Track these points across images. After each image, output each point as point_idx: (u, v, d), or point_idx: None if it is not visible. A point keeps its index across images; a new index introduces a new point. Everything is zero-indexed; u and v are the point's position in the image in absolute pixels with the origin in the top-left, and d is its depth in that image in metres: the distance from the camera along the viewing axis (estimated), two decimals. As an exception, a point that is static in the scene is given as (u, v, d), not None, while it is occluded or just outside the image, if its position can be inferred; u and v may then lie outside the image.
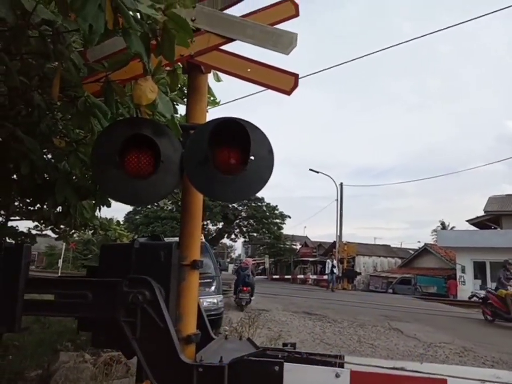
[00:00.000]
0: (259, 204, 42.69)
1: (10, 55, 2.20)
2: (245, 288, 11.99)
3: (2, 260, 1.82)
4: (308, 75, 10.02)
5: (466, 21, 9.73)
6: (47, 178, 3.56)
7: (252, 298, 12.46)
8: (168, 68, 2.23)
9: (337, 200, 32.92)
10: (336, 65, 10.06)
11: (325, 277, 35.45)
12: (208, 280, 7.68)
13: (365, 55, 10.52)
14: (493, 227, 27.34)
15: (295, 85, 2.09)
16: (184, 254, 2.13)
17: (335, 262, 26.55)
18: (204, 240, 10.78)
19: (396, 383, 1.90)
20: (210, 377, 1.73)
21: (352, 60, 10.56)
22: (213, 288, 7.64)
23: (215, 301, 7.40)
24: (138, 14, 1.69)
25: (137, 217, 38.93)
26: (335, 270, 26.16)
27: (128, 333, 1.81)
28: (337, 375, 1.84)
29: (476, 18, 9.50)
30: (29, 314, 1.89)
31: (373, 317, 11.81)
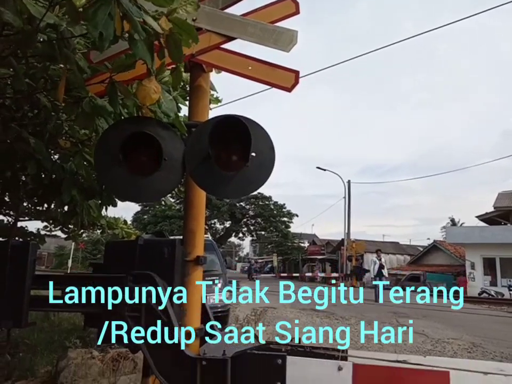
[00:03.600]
0: (266, 202, 42.76)
1: (17, 58, 2.25)
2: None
3: (10, 257, 1.86)
4: (316, 71, 10.02)
5: (472, 15, 9.64)
6: (54, 178, 3.62)
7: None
8: (170, 67, 2.26)
9: (345, 197, 32.87)
10: (344, 61, 10.03)
11: (334, 275, 35.31)
12: (215, 278, 7.77)
13: (373, 51, 10.47)
14: (502, 223, 27.07)
15: (296, 82, 2.11)
16: (187, 250, 2.16)
17: (383, 259, 16.61)
18: (210, 238, 10.84)
19: (398, 375, 1.91)
20: (213, 370, 1.76)
21: (361, 55, 10.50)
22: (219, 285, 7.72)
23: (221, 298, 7.48)
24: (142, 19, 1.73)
25: (145, 216, 39.22)
26: (385, 272, 16.23)
27: (132, 327, 1.84)
28: (339, 368, 1.86)
29: (480, 13, 9.40)
30: (35, 310, 1.93)
31: (381, 313, 11.78)
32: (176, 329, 1.83)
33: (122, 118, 2.52)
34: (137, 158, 1.97)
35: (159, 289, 1.88)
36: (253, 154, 1.93)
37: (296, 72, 2.09)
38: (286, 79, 2.08)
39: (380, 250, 17.60)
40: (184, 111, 3.23)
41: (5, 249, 1.87)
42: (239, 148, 1.95)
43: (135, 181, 1.96)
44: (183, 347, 1.81)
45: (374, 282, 16.03)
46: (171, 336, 1.81)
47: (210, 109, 3.24)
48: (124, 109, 2.66)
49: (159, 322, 1.83)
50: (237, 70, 2.13)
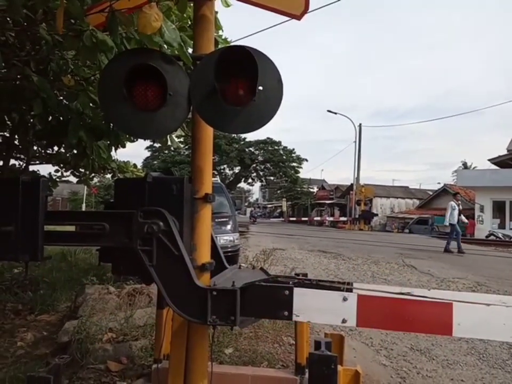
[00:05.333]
0: (276, 147, 42.46)
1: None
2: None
3: (21, 193, 1.89)
4: (325, 5, 9.45)
5: None
6: (61, 120, 3.60)
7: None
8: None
9: (355, 142, 32.44)
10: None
11: (342, 219, 35.84)
12: (225, 219, 7.94)
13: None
14: (515, 166, 26.69)
15: (306, 9, 1.99)
16: (196, 187, 2.17)
17: (461, 206, 14.63)
18: (219, 181, 10.92)
19: (402, 306, 1.97)
20: (223, 300, 1.82)
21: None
22: (229, 226, 7.90)
23: (232, 238, 7.69)
24: None
25: (155, 162, 39.42)
26: (464, 218, 15.23)
27: (145, 260, 1.90)
28: (344, 299, 1.92)
29: None
30: (50, 245, 1.99)
31: (388, 254, 12.06)
32: (187, 262, 1.88)
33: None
34: (142, 93, 1.92)
35: (169, 224, 1.91)
36: (260, 88, 1.86)
37: (306, -2, 1.96)
38: (295, 6, 1.97)
39: (459, 194, 15.53)
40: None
41: (16, 185, 1.89)
42: (246, 82, 1.88)
43: (140, 117, 1.93)
44: (194, 279, 1.87)
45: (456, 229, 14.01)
46: (183, 269, 1.86)
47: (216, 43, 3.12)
48: (127, 43, 2.57)
49: (170, 255, 1.88)
50: (243, -4, 2.00)
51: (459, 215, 14.10)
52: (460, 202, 14.48)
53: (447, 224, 14.19)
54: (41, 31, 2.45)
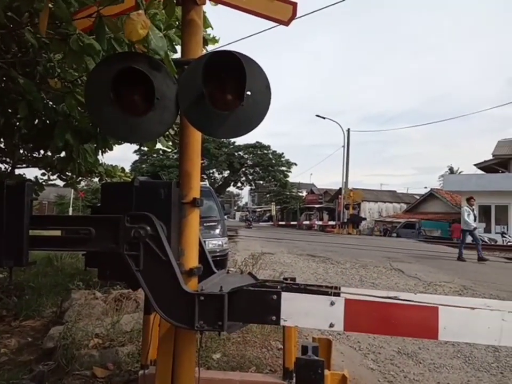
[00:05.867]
0: (265, 151, 42.59)
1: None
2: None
3: (6, 197, 1.86)
4: (315, 11, 9.52)
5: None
6: (48, 122, 3.56)
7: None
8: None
9: (344, 146, 32.69)
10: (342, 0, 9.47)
11: (331, 223, 36.00)
12: (213, 224, 7.92)
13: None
14: (500, 171, 27.16)
15: (294, 15, 2.00)
16: (184, 192, 2.16)
17: (476, 211, 13.93)
18: (208, 185, 10.90)
19: (389, 310, 1.98)
20: (211, 305, 1.82)
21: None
22: (217, 231, 7.88)
23: (220, 242, 7.67)
24: None
25: (143, 166, 39.20)
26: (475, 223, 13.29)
27: (132, 266, 1.88)
28: (332, 303, 1.92)
29: None
30: (35, 249, 1.96)
31: (376, 258, 12.14)
32: (174, 267, 1.87)
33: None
34: (129, 97, 1.91)
35: (156, 229, 1.89)
36: (248, 93, 1.87)
37: (294, 4, 1.98)
38: (283, 12, 1.98)
39: (473, 198, 13.65)
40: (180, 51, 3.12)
41: (1, 189, 1.86)
42: (234, 86, 1.89)
43: (127, 121, 1.91)
44: (181, 284, 1.86)
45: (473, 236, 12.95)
46: (170, 274, 1.85)
47: (207, 50, 3.11)
48: (114, 47, 2.55)
49: (157, 260, 1.87)
50: (231, 1, 2.01)
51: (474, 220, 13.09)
52: (474, 207, 13.46)
53: (472, 229, 12.87)
54: (26, 34, 2.42)
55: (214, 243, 7.47)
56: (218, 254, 7.24)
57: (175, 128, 3.81)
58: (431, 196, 34.31)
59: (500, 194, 23.75)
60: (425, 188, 50.39)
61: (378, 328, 2.03)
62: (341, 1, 9.29)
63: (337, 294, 2.06)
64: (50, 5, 1.98)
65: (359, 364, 4.05)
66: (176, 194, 2.13)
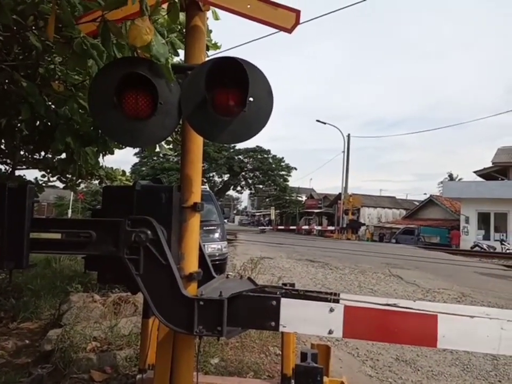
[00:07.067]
0: (265, 155, 42.64)
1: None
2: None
3: (7, 200, 1.87)
4: (317, 17, 9.56)
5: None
6: (49, 125, 3.57)
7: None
8: (165, 4, 2.15)
9: (344, 152, 32.73)
10: (345, 7, 9.53)
11: (330, 228, 36.08)
12: (213, 228, 7.92)
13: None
14: (500, 178, 27.20)
15: (297, 22, 2.01)
16: (185, 196, 2.17)
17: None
18: (208, 189, 10.92)
19: (388, 317, 1.98)
20: (210, 310, 1.82)
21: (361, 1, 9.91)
22: (217, 235, 7.89)
23: (219, 247, 7.67)
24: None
25: (143, 168, 39.21)
26: None
27: (132, 269, 1.88)
28: (331, 310, 1.92)
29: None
30: (36, 252, 1.96)
31: (374, 264, 12.12)
32: (174, 271, 1.87)
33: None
34: (133, 101, 1.92)
35: (157, 233, 1.90)
36: (251, 99, 1.88)
37: (297, 12, 1.99)
38: (286, 19, 1.99)
39: None
40: (182, 55, 3.14)
41: (3, 191, 1.87)
42: (237, 92, 1.90)
43: (131, 125, 1.92)
44: (181, 288, 1.86)
45: None
46: (170, 278, 1.85)
47: (208, 56, 3.13)
48: (118, 52, 2.57)
49: (158, 265, 1.87)
50: (234, 8, 2.02)
51: None
52: None
53: None
54: (31, 37, 2.43)
55: (213, 247, 7.47)
56: (217, 258, 7.25)
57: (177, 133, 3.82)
58: (430, 202, 34.32)
59: (499, 201, 23.78)
60: (425, 194, 50.46)
61: (377, 335, 2.04)
62: (344, 8, 9.34)
63: (337, 301, 2.06)
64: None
65: (357, 371, 4.04)
66: (177, 198, 2.14)
